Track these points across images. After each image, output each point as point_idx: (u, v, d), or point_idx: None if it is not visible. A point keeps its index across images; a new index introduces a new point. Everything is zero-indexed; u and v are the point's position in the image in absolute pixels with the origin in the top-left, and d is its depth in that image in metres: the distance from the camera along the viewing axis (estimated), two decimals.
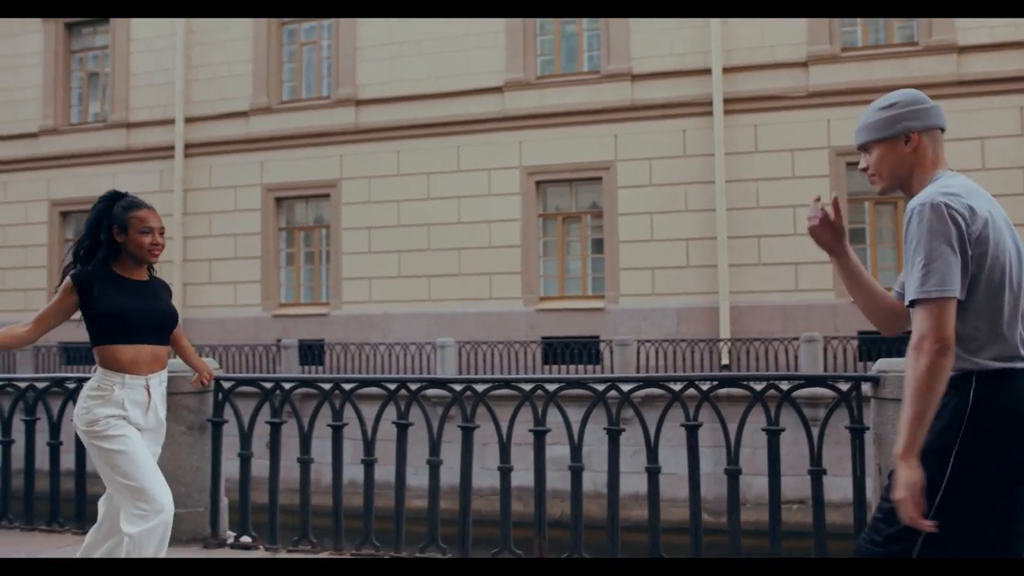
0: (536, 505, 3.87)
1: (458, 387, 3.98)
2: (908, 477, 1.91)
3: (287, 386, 3.98)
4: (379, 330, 16.37)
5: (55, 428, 4.78)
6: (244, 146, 17.44)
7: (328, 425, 3.94)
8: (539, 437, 3.84)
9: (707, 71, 14.97)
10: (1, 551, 4.29)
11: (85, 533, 4.61)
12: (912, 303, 1.99)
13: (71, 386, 4.73)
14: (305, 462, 4.04)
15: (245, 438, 4.09)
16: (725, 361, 14.29)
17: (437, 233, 16.25)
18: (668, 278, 15.05)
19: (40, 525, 4.76)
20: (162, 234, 3.29)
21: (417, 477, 4.25)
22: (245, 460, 4.10)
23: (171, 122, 17.68)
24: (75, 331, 14.69)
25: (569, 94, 15.86)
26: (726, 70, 14.87)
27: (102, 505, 3.27)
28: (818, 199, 2.39)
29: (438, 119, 16.33)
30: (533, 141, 15.94)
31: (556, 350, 14.79)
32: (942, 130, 2.26)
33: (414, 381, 3.98)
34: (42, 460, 4.76)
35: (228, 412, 4.21)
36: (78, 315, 3.26)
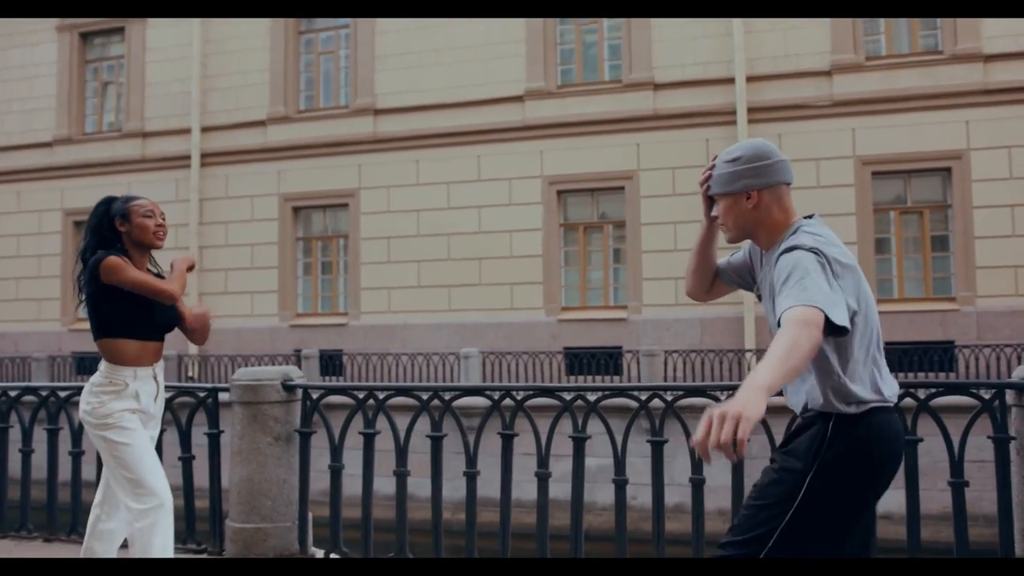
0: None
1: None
2: (758, 406, 1.81)
3: (381, 395, 3.84)
4: (398, 340, 16.23)
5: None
6: (261, 155, 17.32)
7: (428, 436, 3.81)
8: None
9: (730, 80, 14.89)
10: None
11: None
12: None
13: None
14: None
15: (336, 450, 3.95)
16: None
17: (457, 243, 16.13)
18: None
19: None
20: (164, 218, 3.33)
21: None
22: (336, 473, 3.95)
23: (187, 131, 17.56)
24: (85, 341, 14.45)
25: (590, 103, 15.77)
26: (749, 79, 14.80)
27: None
28: (715, 157, 2.43)
29: (458, 128, 16.23)
30: (554, 150, 15.84)
31: (581, 360, 14.65)
32: (788, 184, 2.34)
33: (495, 389, 3.82)
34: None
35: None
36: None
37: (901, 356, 13.77)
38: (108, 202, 3.34)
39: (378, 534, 3.96)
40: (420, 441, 3.77)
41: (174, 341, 14.92)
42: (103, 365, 3.23)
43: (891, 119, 14.37)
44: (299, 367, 15.51)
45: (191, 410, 4.24)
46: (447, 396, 3.78)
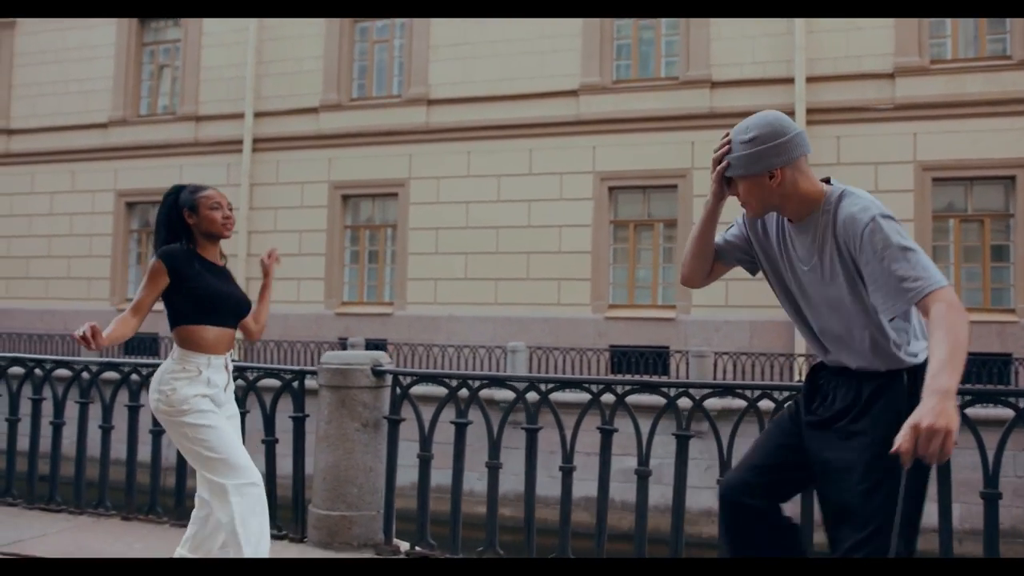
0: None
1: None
2: (956, 416, 1.89)
3: (475, 383, 3.77)
4: (443, 332, 16.19)
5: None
6: (312, 142, 17.36)
7: (523, 428, 3.73)
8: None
9: (790, 80, 14.66)
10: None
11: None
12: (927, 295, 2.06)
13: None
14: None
15: (426, 440, 3.88)
16: (799, 377, 13.95)
17: (506, 236, 16.05)
18: (743, 290, 14.68)
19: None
20: (231, 209, 3.32)
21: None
22: (425, 462, 3.89)
23: (240, 116, 17.64)
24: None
25: (646, 100, 15.62)
26: (809, 80, 14.55)
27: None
28: (726, 135, 2.37)
29: (511, 121, 16.14)
30: (607, 146, 15.71)
31: (629, 359, 14.52)
32: (807, 154, 2.32)
33: (593, 382, 3.73)
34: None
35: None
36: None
37: None
38: (176, 193, 3.33)
39: (464, 530, 3.89)
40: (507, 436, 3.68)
41: None
42: (176, 351, 3.19)
43: (954, 124, 14.07)
44: None
45: (276, 393, 4.20)
46: (544, 388, 3.69)
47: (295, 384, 4.12)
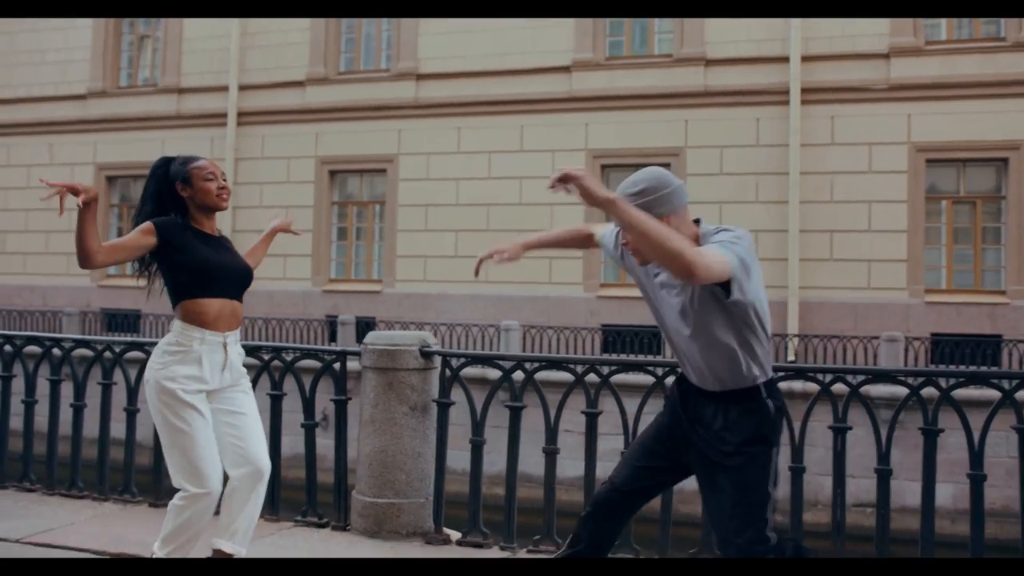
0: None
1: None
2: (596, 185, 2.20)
3: (530, 366, 3.63)
4: (433, 310, 16.03)
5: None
6: (299, 116, 17.05)
7: (583, 412, 3.60)
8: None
9: (784, 59, 14.57)
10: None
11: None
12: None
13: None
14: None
15: (478, 425, 3.74)
16: (792, 357, 13.96)
17: (497, 213, 15.87)
18: None
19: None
20: (225, 179, 3.19)
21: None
22: (477, 447, 3.76)
23: (224, 89, 17.27)
24: (114, 297, 14.30)
25: (639, 77, 15.47)
26: (804, 59, 14.47)
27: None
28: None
29: (502, 97, 15.93)
30: (600, 123, 15.55)
31: (623, 338, 14.46)
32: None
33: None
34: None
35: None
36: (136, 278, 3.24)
37: (945, 348, 13.59)
38: (165, 164, 3.21)
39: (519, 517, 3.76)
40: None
41: None
42: (174, 324, 3.07)
43: (948, 106, 14.06)
44: (333, 333, 15.37)
45: (315, 375, 4.04)
46: (605, 370, 3.57)
47: (336, 365, 3.97)
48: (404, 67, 16.53)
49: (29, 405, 4.69)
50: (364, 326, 15.63)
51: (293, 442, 4.27)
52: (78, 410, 4.59)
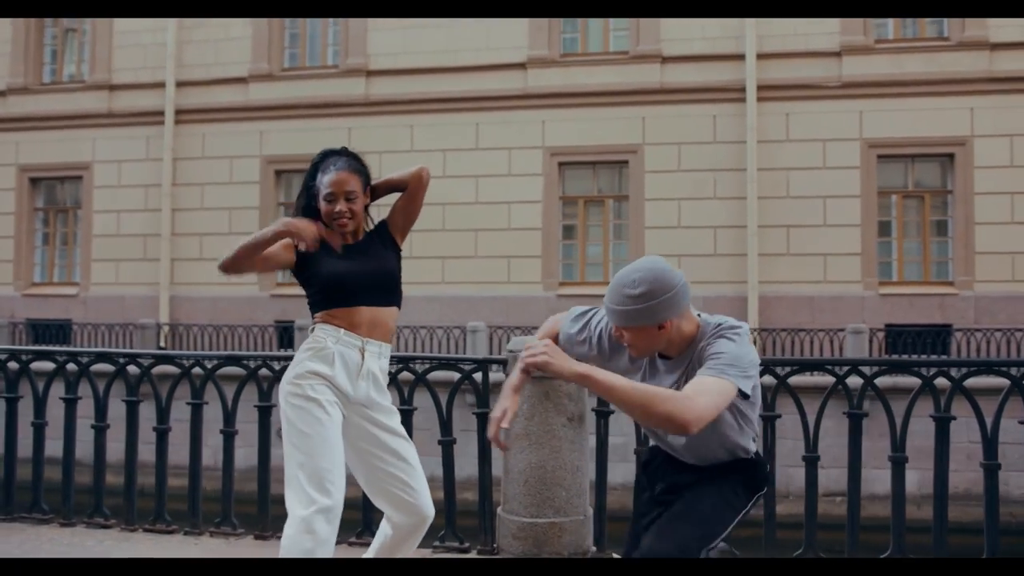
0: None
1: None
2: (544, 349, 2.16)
3: None
4: None
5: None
6: (242, 114, 16.37)
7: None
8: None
9: (740, 56, 14.73)
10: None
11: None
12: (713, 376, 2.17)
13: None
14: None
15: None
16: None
17: (453, 213, 15.55)
18: (695, 266, 14.74)
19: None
20: (350, 199, 2.86)
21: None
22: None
23: (161, 86, 16.43)
24: (41, 306, 13.41)
25: (595, 74, 15.41)
26: (760, 56, 14.66)
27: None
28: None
29: (456, 94, 15.64)
30: (556, 121, 15.44)
31: None
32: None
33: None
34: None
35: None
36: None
37: (897, 338, 13.99)
38: (320, 158, 2.95)
39: None
40: None
41: (145, 308, 13.83)
42: (313, 329, 2.88)
43: (898, 103, 14.46)
44: (289, 339, 14.80)
45: (452, 387, 3.74)
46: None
47: (477, 375, 3.68)
48: (353, 63, 16.06)
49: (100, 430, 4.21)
50: None
51: (431, 463, 3.96)
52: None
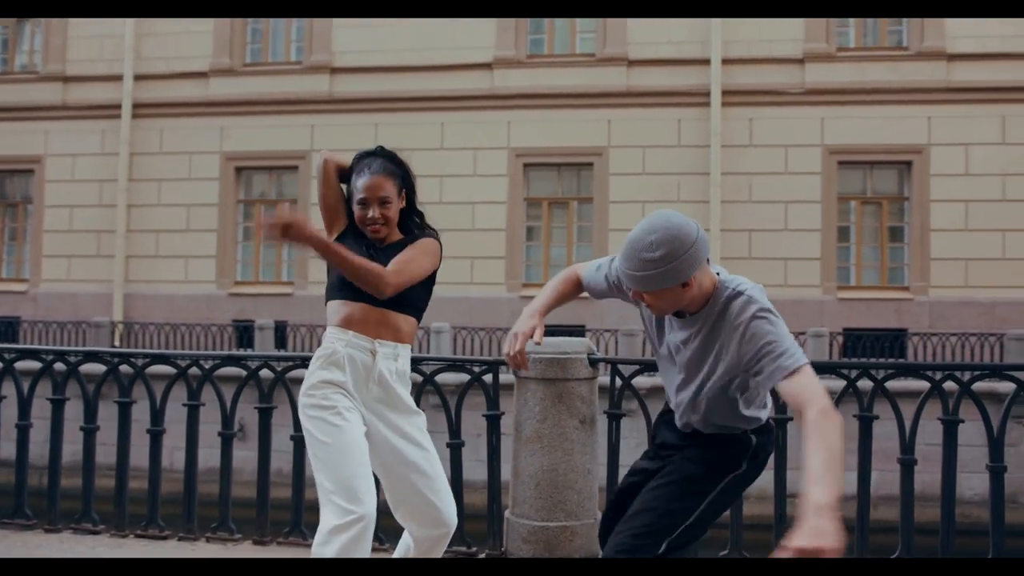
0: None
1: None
2: (831, 529, 1.85)
3: None
4: None
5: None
6: (202, 109, 16.07)
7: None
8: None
9: (705, 61, 14.86)
10: None
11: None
12: (792, 372, 2.07)
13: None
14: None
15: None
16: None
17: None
18: None
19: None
20: (383, 204, 2.78)
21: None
22: None
23: (118, 78, 16.06)
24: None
25: (562, 76, 15.42)
26: (724, 62, 14.80)
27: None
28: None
29: (421, 93, 15.54)
30: (522, 122, 15.42)
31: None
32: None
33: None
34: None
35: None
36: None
37: (856, 341, 14.23)
38: (360, 158, 2.86)
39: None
40: None
41: (98, 306, 13.57)
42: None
43: (858, 111, 14.71)
44: (249, 339, 14.56)
45: (462, 389, 3.69)
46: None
47: (487, 377, 3.63)
48: (317, 60, 15.87)
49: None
50: (278, 331, 14.90)
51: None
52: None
